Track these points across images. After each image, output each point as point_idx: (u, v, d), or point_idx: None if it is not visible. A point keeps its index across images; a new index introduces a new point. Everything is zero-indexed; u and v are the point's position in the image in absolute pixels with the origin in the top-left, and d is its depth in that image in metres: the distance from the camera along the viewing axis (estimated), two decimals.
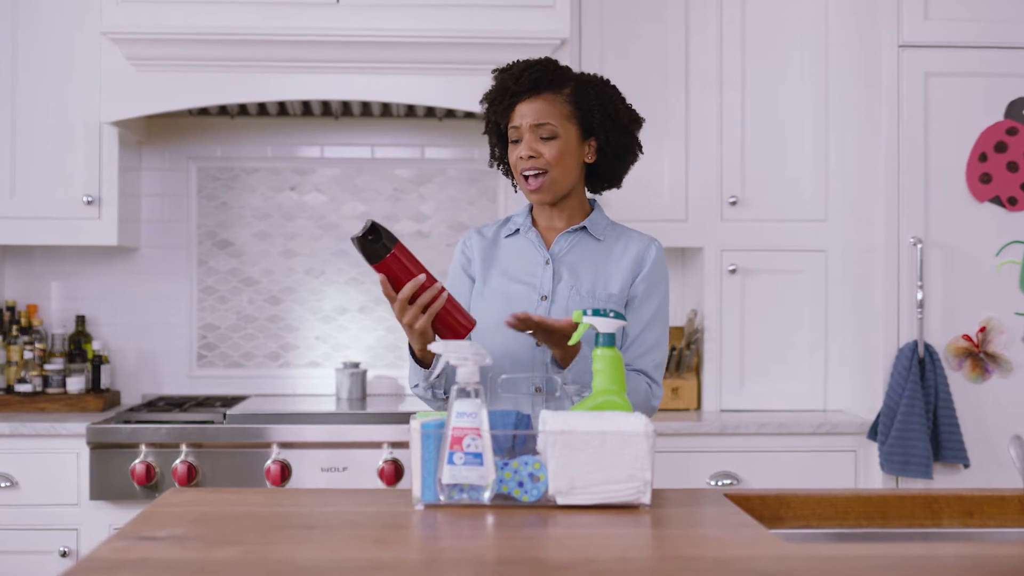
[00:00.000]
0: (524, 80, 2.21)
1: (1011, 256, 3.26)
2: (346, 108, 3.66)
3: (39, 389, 3.48)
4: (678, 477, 3.13)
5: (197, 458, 3.08)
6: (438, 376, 2.16)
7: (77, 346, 3.60)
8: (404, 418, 3.14)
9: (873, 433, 3.24)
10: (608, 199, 2.56)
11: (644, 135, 2.35)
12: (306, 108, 3.65)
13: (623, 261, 2.27)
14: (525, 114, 2.21)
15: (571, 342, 2.00)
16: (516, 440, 1.82)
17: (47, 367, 3.49)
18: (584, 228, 2.29)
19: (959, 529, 1.93)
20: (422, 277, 2.02)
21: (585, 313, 1.95)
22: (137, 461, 3.06)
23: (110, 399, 3.54)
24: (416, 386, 2.22)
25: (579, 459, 1.72)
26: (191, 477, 3.06)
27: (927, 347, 3.20)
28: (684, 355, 3.59)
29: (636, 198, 3.35)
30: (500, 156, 2.34)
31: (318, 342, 3.79)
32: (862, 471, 3.29)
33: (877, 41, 3.30)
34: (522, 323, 2.03)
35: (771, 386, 3.57)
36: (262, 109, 3.65)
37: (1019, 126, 3.26)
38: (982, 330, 3.25)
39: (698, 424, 3.29)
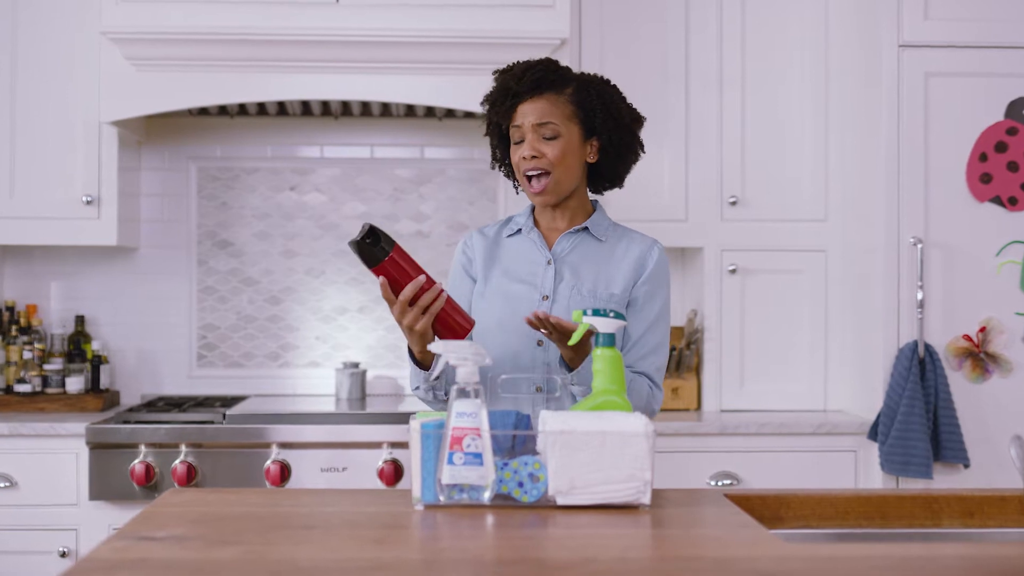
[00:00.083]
0: (526, 80, 2.21)
1: (1011, 256, 3.26)
2: (346, 108, 3.66)
3: (38, 389, 3.48)
4: (678, 477, 3.13)
5: (197, 458, 3.08)
6: (438, 377, 2.16)
7: (76, 346, 3.59)
8: (404, 418, 3.14)
9: (873, 433, 3.24)
10: (608, 199, 2.56)
11: (644, 135, 2.35)
12: (306, 108, 3.65)
13: (625, 262, 2.26)
14: (527, 114, 2.21)
15: (571, 342, 2.00)
16: (516, 440, 1.81)
17: (46, 367, 3.49)
18: (586, 229, 2.29)
19: (959, 529, 1.92)
20: (422, 278, 2.02)
21: (585, 313, 1.95)
22: (136, 461, 3.05)
23: (109, 399, 3.54)
24: (417, 388, 2.22)
25: (579, 459, 1.72)
26: (191, 477, 3.06)
27: (927, 347, 3.20)
28: (684, 355, 3.59)
29: (636, 198, 3.35)
30: (502, 158, 2.34)
31: (318, 342, 3.79)
32: (862, 471, 3.29)
33: (877, 41, 3.30)
34: (540, 322, 2.03)
35: (771, 386, 3.56)
36: (262, 109, 3.64)
37: (1019, 126, 3.26)
38: (982, 330, 3.24)
39: (698, 424, 3.29)
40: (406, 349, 2.17)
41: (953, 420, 3.17)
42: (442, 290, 2.04)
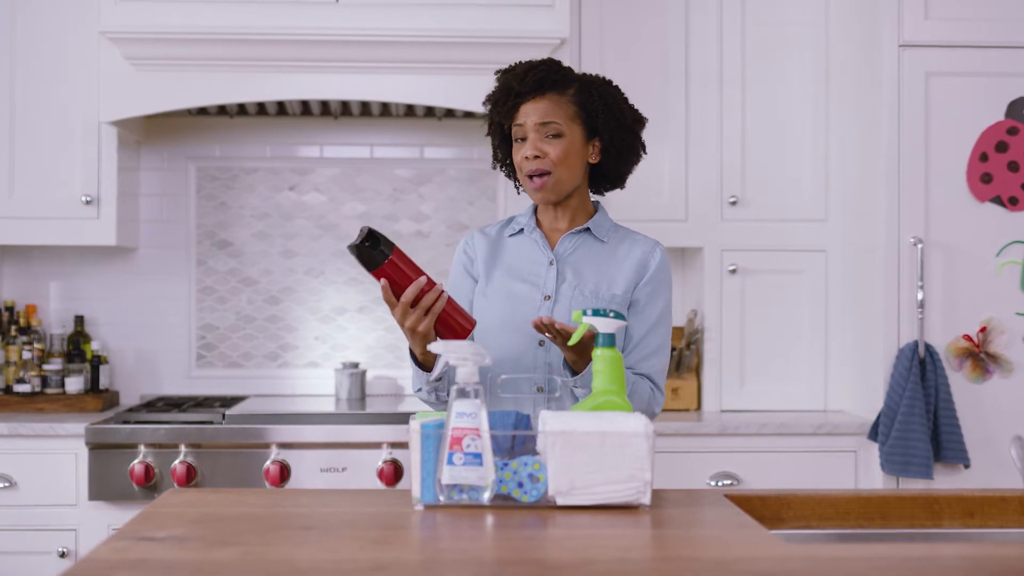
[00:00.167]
0: (528, 80, 2.21)
1: (1012, 256, 3.25)
2: (345, 108, 3.65)
3: (38, 389, 3.47)
4: (678, 477, 3.13)
5: (196, 458, 3.08)
6: (440, 378, 2.15)
7: (76, 346, 3.59)
8: (403, 418, 3.14)
9: (873, 433, 3.23)
10: (608, 199, 2.56)
11: (644, 135, 2.35)
12: (305, 108, 3.65)
13: (627, 263, 2.26)
14: (530, 114, 2.21)
15: (571, 342, 2.00)
16: (516, 440, 1.81)
17: (46, 367, 3.49)
18: (588, 229, 2.29)
19: (960, 530, 1.92)
20: (423, 279, 2.01)
21: (585, 313, 1.95)
22: (136, 461, 3.05)
23: (109, 399, 3.54)
24: (419, 390, 2.22)
25: (579, 459, 1.72)
26: (190, 477, 3.05)
27: (928, 347, 3.19)
28: (684, 355, 3.59)
29: (636, 198, 3.34)
30: (503, 158, 2.33)
31: (317, 342, 3.78)
32: (862, 471, 3.29)
33: (878, 41, 3.30)
34: (545, 327, 2.03)
35: (771, 386, 3.56)
36: (261, 109, 3.64)
37: (1020, 126, 3.26)
38: (983, 330, 3.24)
39: (698, 424, 3.29)
40: (407, 350, 2.17)
41: (953, 420, 3.16)
42: (443, 291, 2.04)
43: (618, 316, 1.93)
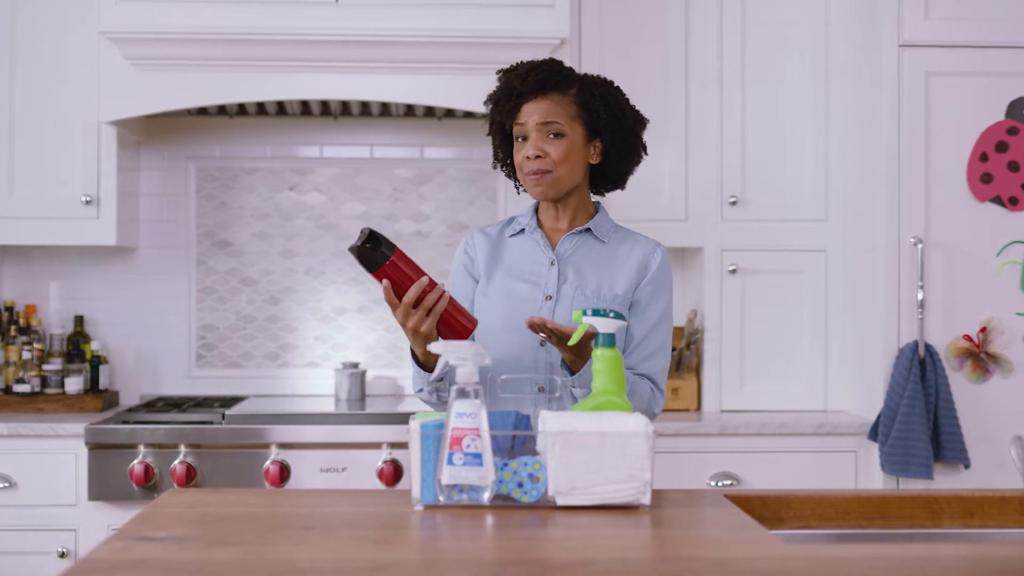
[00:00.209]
0: (530, 80, 2.21)
1: (1012, 256, 3.25)
2: (345, 108, 3.65)
3: (37, 389, 3.47)
4: (678, 478, 3.13)
5: (196, 459, 3.08)
6: (441, 379, 2.15)
7: (75, 346, 3.59)
8: (403, 418, 3.14)
9: (873, 433, 3.23)
10: (608, 199, 2.56)
11: (644, 135, 2.35)
12: (305, 108, 3.64)
13: (628, 264, 2.26)
14: (531, 113, 2.21)
15: (571, 342, 1.99)
16: (516, 440, 1.81)
17: (45, 367, 3.48)
18: (589, 230, 2.29)
19: (960, 530, 1.92)
20: (425, 280, 2.01)
21: (585, 313, 1.94)
22: (136, 461, 3.05)
23: (109, 399, 3.54)
24: (420, 391, 2.22)
25: (579, 459, 1.72)
26: (190, 478, 3.05)
27: (928, 347, 3.19)
28: (684, 355, 3.59)
29: (636, 198, 3.34)
30: (504, 157, 2.33)
31: (317, 342, 3.78)
32: (862, 472, 3.29)
33: (878, 40, 3.30)
34: (537, 327, 2.03)
35: (771, 386, 3.56)
36: (261, 109, 3.64)
37: (1020, 126, 3.26)
38: (983, 330, 3.24)
39: (698, 424, 3.29)
40: (408, 351, 2.17)
41: (953, 420, 3.16)
42: (444, 291, 2.04)
43: (618, 316, 1.93)
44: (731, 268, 3.55)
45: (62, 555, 3.09)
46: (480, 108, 3.27)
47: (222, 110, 3.66)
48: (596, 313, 1.93)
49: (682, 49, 3.57)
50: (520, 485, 1.74)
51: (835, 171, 3.58)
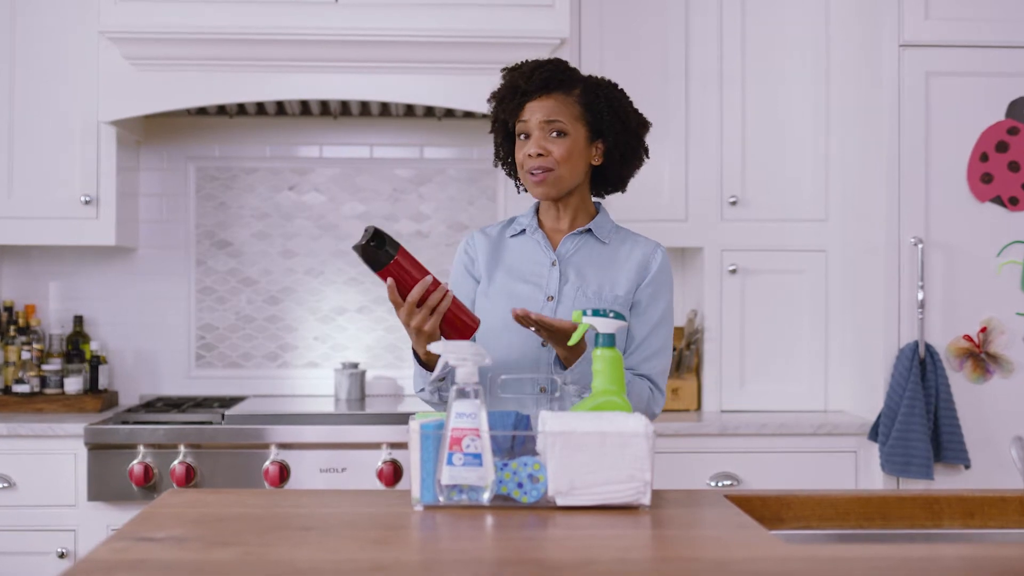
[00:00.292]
0: (535, 79, 2.21)
1: (1012, 256, 3.25)
2: (345, 108, 3.65)
3: (37, 390, 3.47)
4: (678, 478, 3.12)
5: (195, 459, 3.08)
6: (442, 379, 2.15)
7: (75, 346, 3.59)
8: (403, 419, 3.13)
9: (874, 434, 3.23)
10: (608, 199, 2.55)
11: (646, 138, 2.35)
12: (305, 108, 3.64)
13: (629, 265, 2.26)
14: (535, 111, 2.21)
15: (571, 342, 1.99)
16: (515, 441, 1.81)
17: (45, 367, 3.48)
18: (590, 231, 2.29)
19: (960, 530, 1.92)
20: (429, 279, 2.01)
21: (585, 313, 1.94)
22: (135, 462, 3.05)
23: (108, 400, 3.53)
24: (421, 390, 2.21)
25: (579, 460, 1.71)
26: (189, 478, 3.05)
27: (928, 347, 3.19)
28: (684, 355, 3.59)
29: (636, 198, 3.32)
30: (505, 156, 2.33)
31: (317, 342, 3.78)
32: (863, 472, 3.29)
33: (878, 40, 3.30)
34: (522, 319, 2.03)
35: (771, 386, 3.56)
36: (260, 109, 3.64)
37: (1020, 126, 3.26)
38: (983, 330, 3.24)
39: (698, 425, 3.29)
40: (408, 351, 2.17)
41: (954, 421, 3.16)
42: (448, 290, 2.04)
43: (618, 316, 1.93)
44: (731, 268, 3.55)
45: (61, 555, 3.09)
46: (480, 108, 3.28)
47: (222, 110, 3.66)
48: (596, 313, 1.93)
49: (682, 49, 3.57)
50: (520, 485, 1.74)
51: (835, 171, 3.57)
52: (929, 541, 1.89)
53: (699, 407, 3.59)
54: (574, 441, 1.72)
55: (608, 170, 2.29)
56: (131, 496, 3.06)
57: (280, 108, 3.64)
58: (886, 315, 3.24)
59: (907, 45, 3.25)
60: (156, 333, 3.75)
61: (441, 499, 1.73)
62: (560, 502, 1.72)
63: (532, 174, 2.21)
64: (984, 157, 3.26)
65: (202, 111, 3.65)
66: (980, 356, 3.23)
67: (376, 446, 3.12)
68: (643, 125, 2.30)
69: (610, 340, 1.92)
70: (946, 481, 3.19)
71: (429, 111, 3.64)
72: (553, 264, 2.26)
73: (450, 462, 1.71)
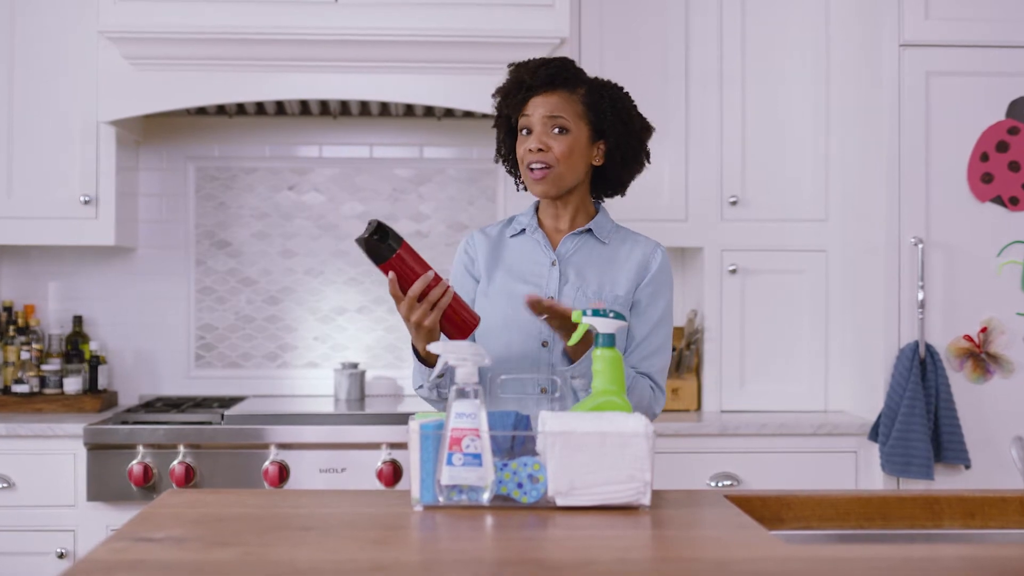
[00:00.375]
0: (540, 75, 2.21)
1: (1012, 256, 3.25)
2: (344, 108, 3.65)
3: (36, 390, 3.47)
4: (678, 478, 3.12)
5: (195, 459, 3.07)
6: (441, 375, 2.15)
7: (74, 346, 3.59)
8: (403, 419, 3.13)
9: (874, 434, 3.23)
10: (608, 199, 2.55)
11: (649, 143, 2.34)
12: (304, 108, 3.64)
13: (628, 264, 2.26)
14: (538, 107, 2.21)
15: (571, 342, 1.99)
16: (515, 441, 1.81)
17: (44, 367, 3.48)
18: (590, 231, 2.29)
19: (960, 530, 1.92)
20: (431, 274, 2.01)
21: (585, 313, 1.94)
22: (135, 462, 3.05)
23: (107, 400, 3.53)
24: (420, 387, 2.21)
25: (579, 460, 1.71)
26: (189, 478, 3.05)
27: (928, 347, 3.19)
28: (684, 355, 3.58)
29: (636, 198, 3.30)
30: (507, 152, 2.33)
31: (316, 342, 3.78)
32: (863, 472, 3.29)
33: (878, 40, 3.30)
34: (535, 306, 2.02)
35: (771, 387, 3.56)
36: (260, 109, 3.64)
37: (1021, 125, 3.26)
38: (983, 330, 3.24)
39: (698, 425, 3.28)
40: (408, 350, 2.17)
41: (954, 421, 3.16)
42: (449, 286, 2.04)
43: (618, 316, 1.93)
44: (731, 268, 3.55)
45: (61, 556, 3.09)
46: (480, 108, 3.28)
47: (221, 110, 3.65)
48: (596, 313, 1.93)
49: (682, 49, 3.57)
50: (520, 485, 1.74)
51: (835, 171, 3.57)
52: (929, 541, 1.89)
53: (699, 407, 3.59)
54: (574, 441, 1.71)
55: (608, 172, 2.29)
56: (130, 496, 3.06)
57: (280, 108, 3.64)
58: (886, 315, 3.24)
59: (907, 45, 3.25)
60: (155, 333, 3.75)
61: (441, 499, 1.72)
62: (560, 502, 1.72)
63: (532, 170, 2.21)
64: (984, 157, 3.25)
65: (201, 111, 3.64)
66: (980, 356, 3.23)
67: (376, 446, 3.12)
68: (646, 129, 2.30)
69: (610, 340, 1.91)
70: (946, 481, 3.19)
71: (429, 111, 3.64)
72: (553, 264, 2.26)
73: (450, 462, 1.70)
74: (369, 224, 1.99)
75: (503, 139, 2.32)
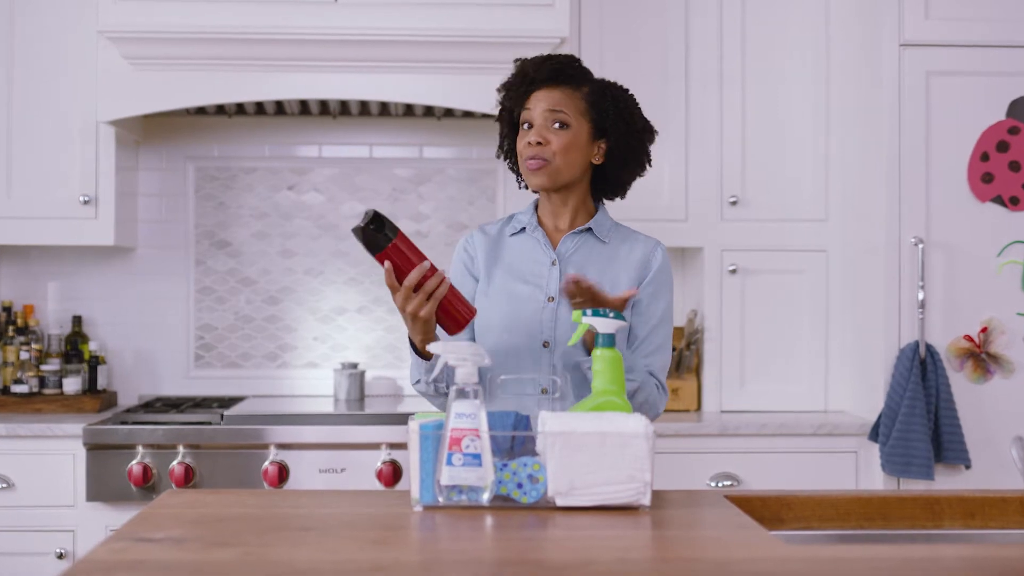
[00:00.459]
0: (544, 69, 2.21)
1: (1013, 256, 3.25)
2: (344, 107, 3.65)
3: (35, 390, 3.47)
4: (678, 478, 3.12)
5: (194, 459, 3.07)
6: (439, 374, 2.14)
7: (74, 346, 3.58)
8: (403, 419, 3.13)
9: (874, 434, 3.23)
10: (609, 201, 2.55)
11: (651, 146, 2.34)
12: (304, 107, 3.64)
13: (629, 263, 2.26)
14: (540, 100, 2.21)
15: (571, 342, 1.99)
16: (515, 441, 1.80)
17: (43, 368, 3.48)
18: (590, 230, 2.28)
19: (960, 531, 1.92)
20: (427, 264, 2.00)
21: (585, 313, 1.94)
22: (134, 462, 3.04)
23: (107, 400, 3.53)
24: (417, 382, 2.20)
25: (578, 460, 1.71)
26: (188, 478, 3.05)
27: (928, 347, 3.19)
28: (684, 356, 3.58)
29: (636, 198, 3.29)
30: (509, 147, 2.32)
31: (316, 342, 3.78)
32: (863, 472, 3.28)
33: (878, 40, 3.29)
34: (575, 285, 2.01)
35: (772, 387, 3.56)
36: (260, 108, 3.63)
37: (1021, 125, 3.25)
38: (983, 330, 3.24)
39: (698, 425, 3.28)
40: (407, 346, 2.16)
41: (954, 421, 3.16)
42: (445, 277, 2.03)
43: (617, 316, 1.93)
44: (731, 268, 3.55)
45: (60, 556, 3.09)
46: (479, 107, 3.27)
47: (221, 110, 3.65)
48: (596, 313, 1.92)
49: (682, 49, 3.57)
50: (519, 486, 1.74)
51: (835, 171, 3.57)
52: (930, 542, 1.89)
53: (699, 407, 3.59)
54: (574, 441, 1.71)
55: (608, 171, 2.28)
56: (130, 496, 3.06)
57: (279, 108, 3.64)
58: (886, 315, 3.24)
59: (907, 45, 3.25)
60: (155, 333, 3.74)
61: (440, 499, 1.72)
62: (560, 502, 1.72)
63: (529, 162, 2.21)
64: (985, 157, 3.25)
65: (201, 111, 3.64)
66: (981, 356, 3.23)
67: (375, 446, 3.11)
68: (648, 131, 2.29)
69: (610, 340, 1.91)
70: (947, 481, 3.19)
71: (428, 111, 3.64)
72: (553, 263, 2.25)
73: (449, 462, 1.70)
74: (365, 214, 1.98)
75: (506, 134, 2.32)
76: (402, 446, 3.10)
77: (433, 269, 2.01)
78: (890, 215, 3.24)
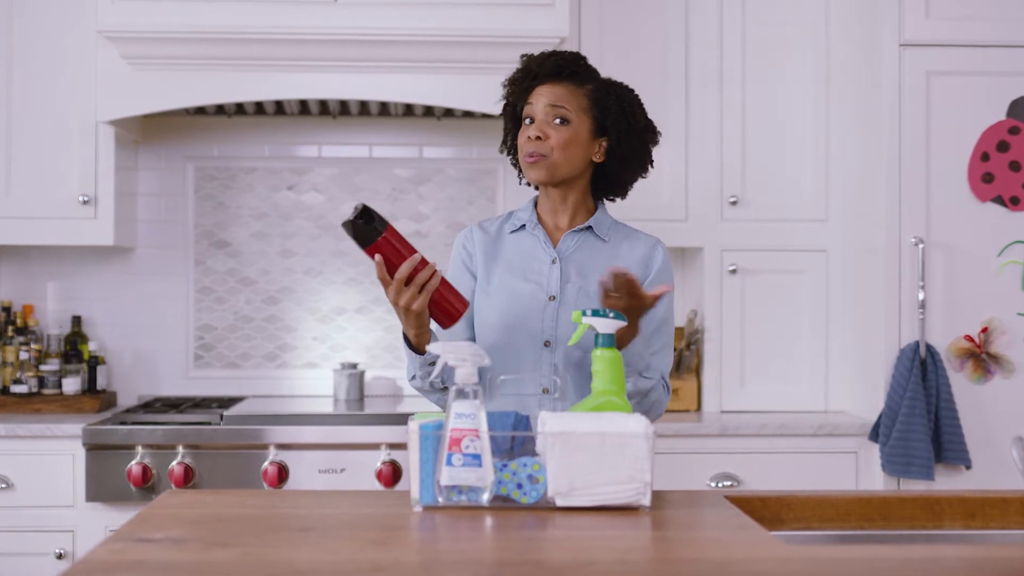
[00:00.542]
0: (548, 64, 2.22)
1: (1013, 256, 3.25)
2: (344, 107, 3.65)
3: (35, 390, 3.46)
4: (678, 478, 3.12)
5: (194, 459, 3.07)
6: (431, 363, 2.13)
7: (73, 347, 3.58)
8: (402, 419, 3.13)
9: (874, 434, 3.23)
10: (609, 202, 2.55)
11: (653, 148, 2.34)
12: (304, 107, 3.64)
13: (629, 263, 2.25)
14: (542, 95, 2.21)
15: (571, 343, 1.99)
16: (515, 441, 1.80)
17: (43, 368, 3.47)
18: (590, 228, 2.28)
19: (961, 531, 1.92)
20: (418, 256, 1.99)
21: (584, 313, 1.93)
22: (133, 462, 3.04)
23: (106, 400, 3.53)
24: (414, 378, 2.19)
25: (578, 460, 1.71)
26: (188, 479, 3.04)
27: (929, 348, 3.19)
28: (684, 356, 3.58)
29: (636, 198, 3.30)
30: (512, 142, 2.32)
31: (316, 343, 3.77)
32: (863, 472, 3.28)
33: (878, 40, 3.29)
34: (618, 278, 1.99)
35: (772, 387, 3.55)
36: (259, 108, 3.63)
37: (1021, 125, 3.25)
38: (984, 331, 3.23)
39: (698, 425, 3.28)
40: (401, 336, 2.15)
41: (955, 421, 3.16)
42: (436, 269, 2.02)
43: (617, 316, 1.92)
44: (731, 268, 3.54)
45: (59, 556, 3.08)
46: (479, 107, 3.27)
47: (220, 110, 3.65)
48: (596, 313, 1.92)
49: (682, 49, 3.57)
50: (519, 486, 1.73)
51: (835, 171, 3.57)
52: (930, 542, 1.89)
53: (699, 407, 3.59)
54: (574, 442, 1.71)
55: (609, 170, 2.28)
56: (129, 497, 3.06)
57: (279, 108, 3.63)
58: (887, 315, 3.23)
59: (907, 45, 3.25)
60: (154, 333, 3.74)
61: (440, 500, 1.72)
62: (560, 503, 1.72)
63: (527, 156, 2.21)
64: (985, 157, 3.25)
65: (200, 111, 3.64)
66: (981, 356, 3.23)
67: (375, 447, 3.11)
68: (651, 131, 2.29)
69: (610, 340, 1.91)
70: (947, 482, 3.19)
71: (428, 111, 3.64)
72: (553, 262, 2.25)
73: (449, 463, 1.70)
74: (355, 208, 1.98)
75: (509, 129, 2.31)
76: (402, 446, 3.10)
77: (424, 261, 2.00)
78: (890, 215, 3.24)
